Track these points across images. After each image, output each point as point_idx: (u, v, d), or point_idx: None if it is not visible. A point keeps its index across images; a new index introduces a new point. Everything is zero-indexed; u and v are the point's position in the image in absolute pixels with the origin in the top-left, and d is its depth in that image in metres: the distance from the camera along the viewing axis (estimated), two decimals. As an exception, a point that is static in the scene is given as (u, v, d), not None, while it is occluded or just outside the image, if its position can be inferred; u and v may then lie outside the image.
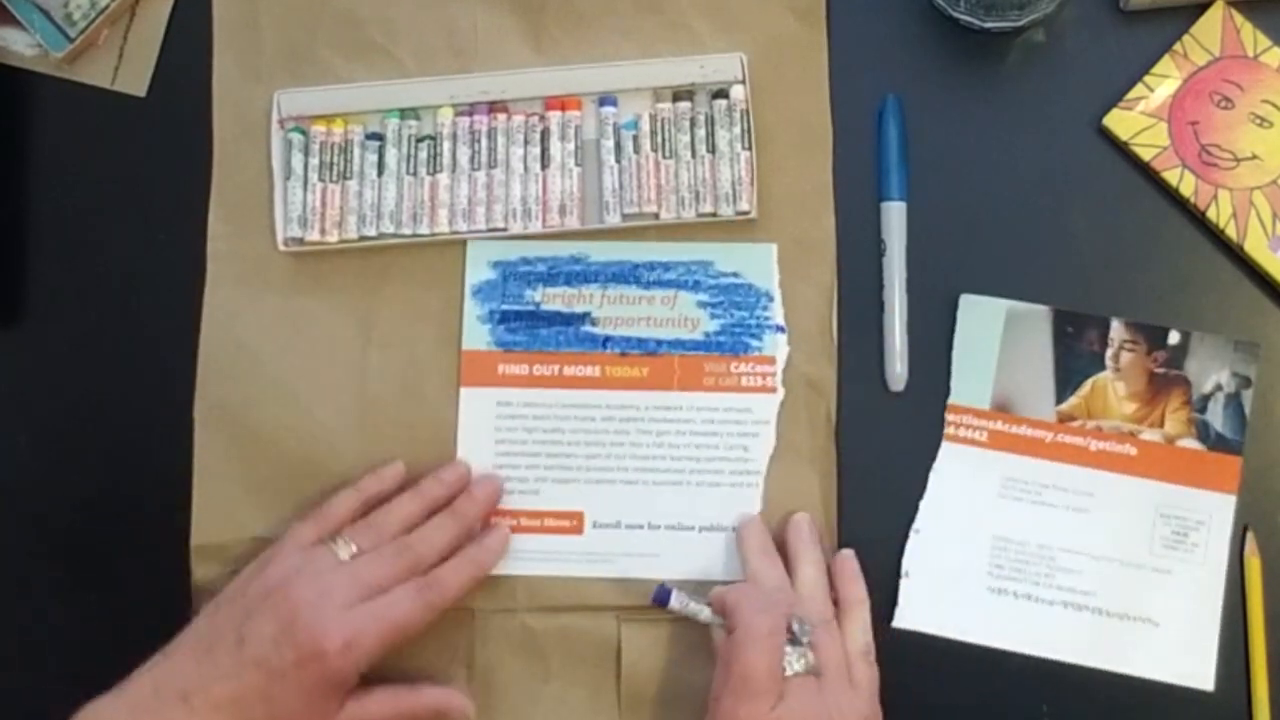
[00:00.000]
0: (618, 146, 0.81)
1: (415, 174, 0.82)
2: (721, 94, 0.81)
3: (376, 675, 0.73)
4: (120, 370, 0.83)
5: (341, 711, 0.72)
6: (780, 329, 0.80)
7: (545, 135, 0.82)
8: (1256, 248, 0.79)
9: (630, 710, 0.78)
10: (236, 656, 0.71)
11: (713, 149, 0.81)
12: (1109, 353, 0.79)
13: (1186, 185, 0.79)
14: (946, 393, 0.79)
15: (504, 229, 0.81)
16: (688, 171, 0.81)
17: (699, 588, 0.76)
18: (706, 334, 0.81)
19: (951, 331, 0.80)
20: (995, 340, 0.79)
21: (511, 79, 0.82)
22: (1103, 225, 0.80)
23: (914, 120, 0.81)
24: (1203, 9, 0.80)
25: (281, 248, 0.82)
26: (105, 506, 0.82)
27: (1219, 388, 0.79)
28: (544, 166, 0.81)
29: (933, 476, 0.79)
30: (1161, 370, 0.79)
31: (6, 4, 0.83)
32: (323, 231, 0.81)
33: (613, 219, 0.81)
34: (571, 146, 0.81)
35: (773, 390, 0.80)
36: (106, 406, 0.83)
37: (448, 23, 0.83)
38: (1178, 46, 0.80)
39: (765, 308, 0.80)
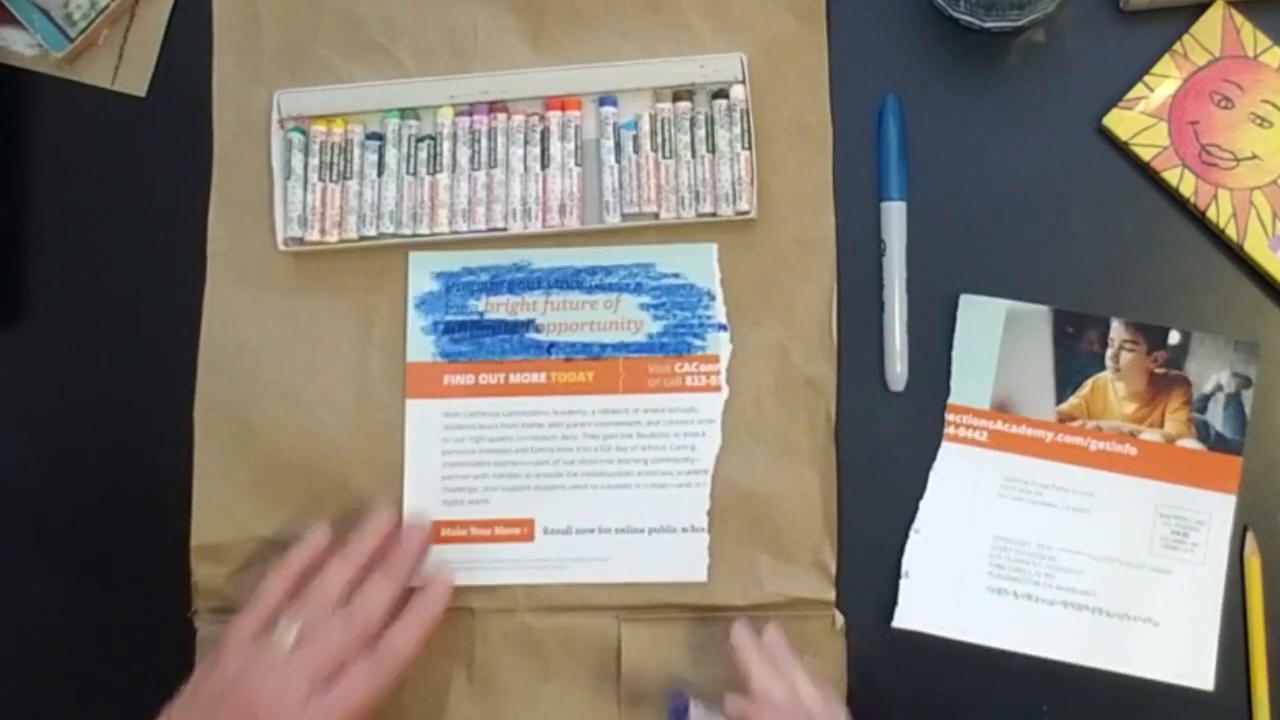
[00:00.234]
0: (618, 146, 0.81)
1: (415, 174, 0.82)
2: (721, 94, 0.81)
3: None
4: (120, 370, 0.83)
5: None
6: (723, 327, 0.80)
7: (545, 135, 0.82)
8: (1256, 248, 0.79)
9: (630, 710, 0.78)
10: None
11: (713, 149, 0.81)
12: (1109, 353, 0.79)
13: (1186, 185, 0.79)
14: (946, 393, 0.79)
15: (504, 229, 0.81)
16: (688, 171, 0.81)
17: (713, 699, 0.75)
18: (650, 335, 0.81)
19: (951, 331, 0.80)
20: (995, 340, 0.79)
21: (511, 79, 0.82)
22: (1103, 225, 0.80)
23: (914, 120, 0.81)
24: (1203, 9, 0.80)
25: (281, 248, 0.82)
26: (105, 506, 0.82)
27: (1219, 388, 0.79)
28: (544, 166, 0.81)
29: (933, 476, 0.79)
30: (1161, 370, 0.79)
31: (6, 4, 0.83)
32: (323, 231, 0.81)
33: (613, 219, 0.81)
34: (571, 146, 0.81)
35: (717, 389, 0.80)
36: (106, 406, 0.83)
37: (448, 23, 0.83)
38: (1178, 46, 0.80)
39: (707, 307, 0.81)
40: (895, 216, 0.80)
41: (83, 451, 0.82)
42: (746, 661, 0.74)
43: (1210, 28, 0.80)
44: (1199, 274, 0.80)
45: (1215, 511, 0.78)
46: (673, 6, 0.82)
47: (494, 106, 0.82)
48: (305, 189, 0.82)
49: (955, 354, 0.80)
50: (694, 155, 0.81)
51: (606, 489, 0.80)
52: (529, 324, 0.81)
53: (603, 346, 0.81)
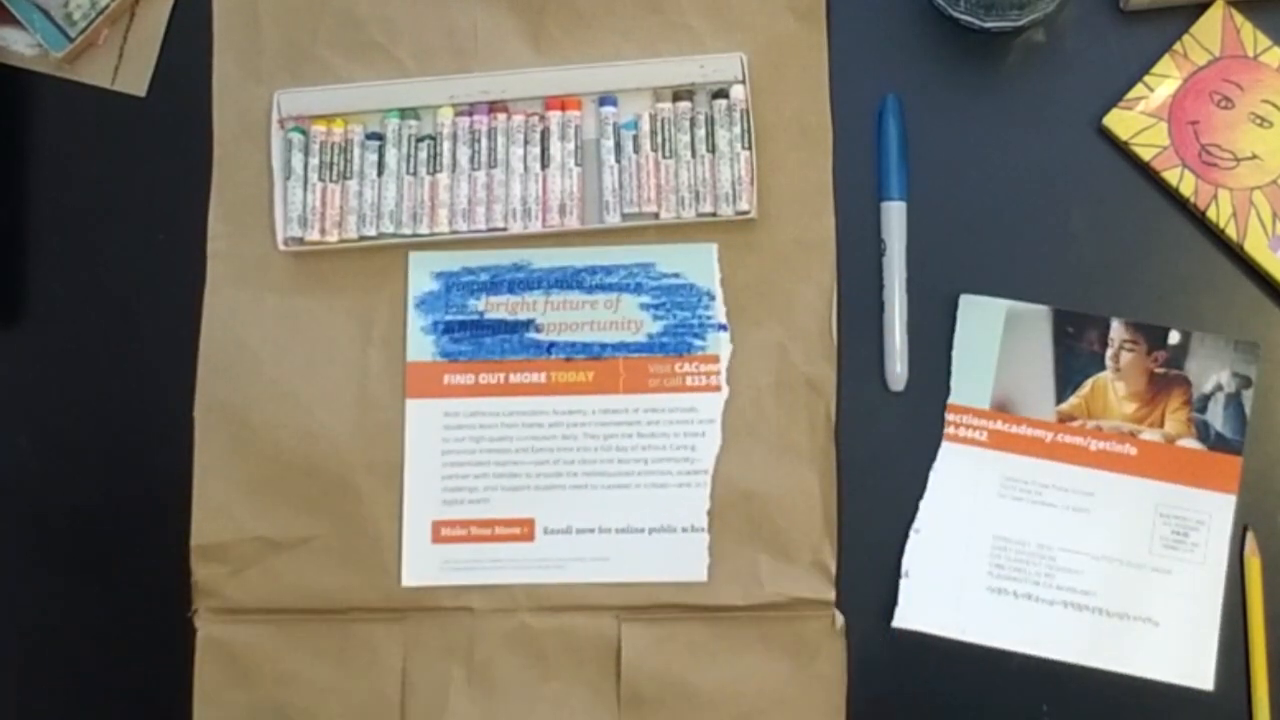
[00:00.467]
0: (618, 146, 0.81)
1: (415, 174, 0.82)
2: (721, 94, 0.81)
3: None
4: (120, 370, 0.83)
5: None
6: (723, 327, 0.80)
7: (545, 135, 0.82)
8: (1256, 248, 0.79)
9: (630, 710, 0.78)
10: None
11: (713, 149, 0.81)
12: (1109, 353, 0.79)
13: (1186, 185, 0.79)
14: (946, 393, 0.79)
15: (504, 229, 0.81)
16: (688, 171, 0.81)
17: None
18: (650, 335, 0.81)
19: (951, 331, 0.80)
20: (995, 340, 0.79)
21: (511, 79, 0.82)
22: (1103, 225, 0.80)
23: (914, 120, 0.81)
24: (1203, 9, 0.80)
25: (281, 247, 0.82)
26: (105, 506, 0.82)
27: (1219, 388, 0.79)
28: (544, 166, 0.81)
29: (933, 476, 0.79)
30: (1161, 370, 0.79)
31: (6, 4, 0.83)
32: (323, 231, 0.81)
33: (613, 219, 0.81)
34: (571, 146, 0.81)
35: (717, 389, 0.80)
36: (106, 406, 0.83)
37: (448, 23, 0.83)
38: (1178, 46, 0.80)
39: (707, 307, 0.81)
40: (895, 216, 0.80)
41: (83, 451, 0.82)
42: None
43: (1210, 28, 0.80)
44: (1199, 274, 0.80)
45: (1215, 511, 0.78)
46: (673, 6, 0.83)
47: (494, 106, 0.82)
48: (305, 189, 0.82)
49: (955, 354, 0.80)
50: (694, 155, 0.81)
51: (606, 489, 0.80)
52: (529, 324, 0.81)
53: (603, 346, 0.81)
